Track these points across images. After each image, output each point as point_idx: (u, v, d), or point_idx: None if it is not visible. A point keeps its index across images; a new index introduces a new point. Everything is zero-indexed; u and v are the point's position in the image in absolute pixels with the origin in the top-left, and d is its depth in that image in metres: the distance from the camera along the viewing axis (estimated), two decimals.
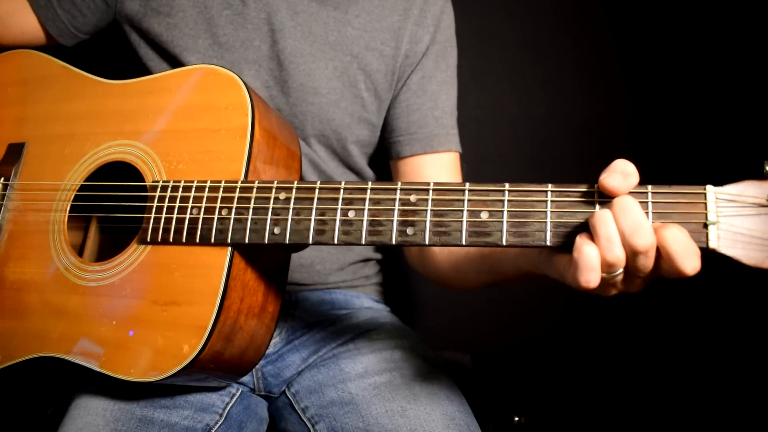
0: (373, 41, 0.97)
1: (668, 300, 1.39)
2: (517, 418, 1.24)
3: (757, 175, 0.57)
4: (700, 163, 1.33)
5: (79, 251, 0.90)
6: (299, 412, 0.90)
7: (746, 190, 0.56)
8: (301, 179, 0.88)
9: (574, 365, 1.48)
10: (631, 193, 0.57)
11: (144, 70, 0.98)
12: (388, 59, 0.98)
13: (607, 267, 0.56)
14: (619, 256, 0.55)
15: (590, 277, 0.56)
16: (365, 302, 1.08)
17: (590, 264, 0.55)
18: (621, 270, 0.56)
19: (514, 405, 1.36)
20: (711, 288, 1.35)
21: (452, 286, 0.96)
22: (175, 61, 0.96)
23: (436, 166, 1.00)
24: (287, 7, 0.95)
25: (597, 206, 0.58)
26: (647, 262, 0.55)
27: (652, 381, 1.46)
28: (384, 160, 1.08)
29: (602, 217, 0.56)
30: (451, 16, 1.04)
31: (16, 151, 0.88)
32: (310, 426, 0.87)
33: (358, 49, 0.97)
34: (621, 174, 0.56)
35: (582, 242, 0.56)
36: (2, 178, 0.87)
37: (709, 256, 0.57)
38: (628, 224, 0.54)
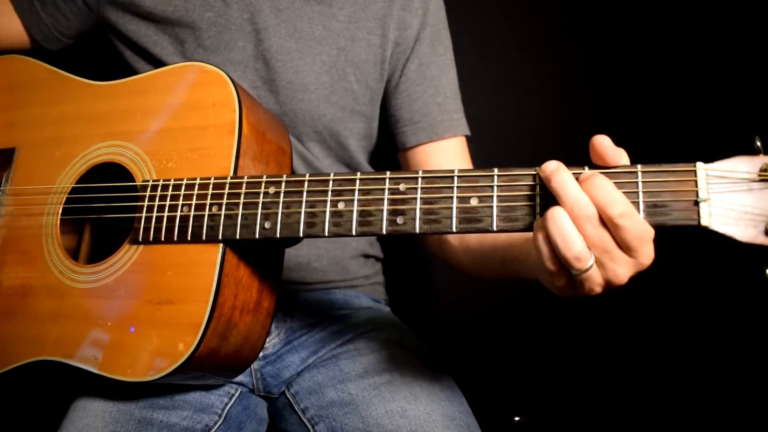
0: (359, 32, 0.97)
1: (667, 300, 1.39)
2: (517, 418, 1.24)
3: (748, 151, 0.56)
4: (691, 139, 1.32)
5: (75, 254, 0.90)
6: (299, 412, 0.89)
7: (737, 165, 0.55)
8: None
9: (574, 365, 1.47)
10: (621, 173, 0.57)
11: (130, 72, 0.98)
12: (376, 48, 0.97)
13: (567, 258, 0.55)
14: (574, 251, 0.54)
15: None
16: (365, 302, 1.07)
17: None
18: (591, 263, 0.55)
19: (514, 405, 1.35)
20: (710, 287, 1.35)
21: (471, 276, 0.95)
22: (161, 64, 0.96)
23: (444, 153, 1.00)
24: (270, 5, 0.94)
25: None
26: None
27: (652, 381, 1.44)
28: (385, 156, 1.07)
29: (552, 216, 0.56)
30: None
31: (6, 156, 0.88)
32: (309, 427, 0.86)
33: (345, 41, 0.96)
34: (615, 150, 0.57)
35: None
36: None
37: (702, 234, 0.56)
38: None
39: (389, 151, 1.06)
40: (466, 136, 1.02)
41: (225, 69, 0.91)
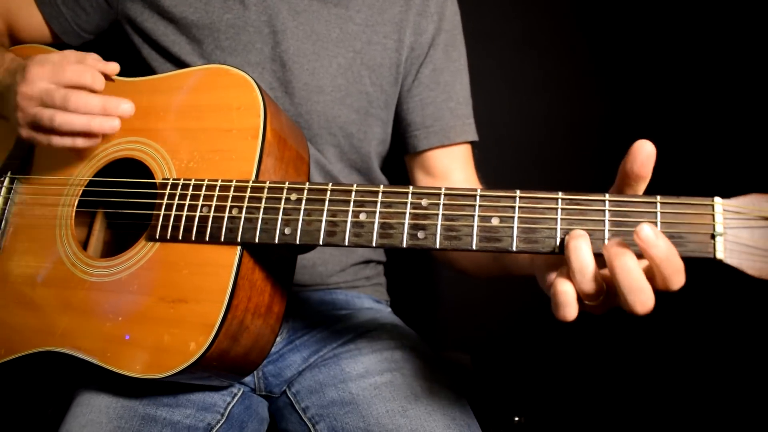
0: (376, 35, 0.98)
1: (667, 300, 1.40)
2: (517, 418, 1.25)
3: (765, 189, 0.58)
4: (708, 174, 1.34)
5: (83, 246, 0.90)
6: (300, 412, 0.90)
7: (753, 202, 0.57)
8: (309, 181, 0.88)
9: (575, 365, 1.49)
10: (640, 202, 0.59)
11: (148, 70, 0.98)
12: (392, 52, 0.98)
13: (585, 297, 0.56)
14: (595, 288, 0.55)
15: (566, 312, 0.56)
16: (366, 302, 1.08)
17: (565, 300, 0.56)
18: (602, 297, 0.56)
19: (514, 405, 1.36)
20: (710, 288, 1.36)
21: (469, 275, 0.97)
22: (178, 62, 0.96)
23: (453, 158, 1.01)
24: (288, 8, 0.95)
25: (606, 220, 0.59)
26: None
27: (652, 381, 1.46)
28: (394, 162, 1.08)
29: (575, 248, 0.56)
30: (455, 2, 1.04)
31: (24, 144, 0.87)
32: (310, 426, 0.87)
33: (361, 44, 0.97)
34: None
35: (557, 278, 0.57)
36: (9, 172, 0.87)
37: (714, 265, 0.58)
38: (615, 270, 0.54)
39: (396, 155, 1.08)
40: (475, 142, 1.04)
41: (243, 71, 0.92)
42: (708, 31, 1.44)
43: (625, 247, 0.55)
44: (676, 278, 0.54)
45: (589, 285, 0.55)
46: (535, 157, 1.49)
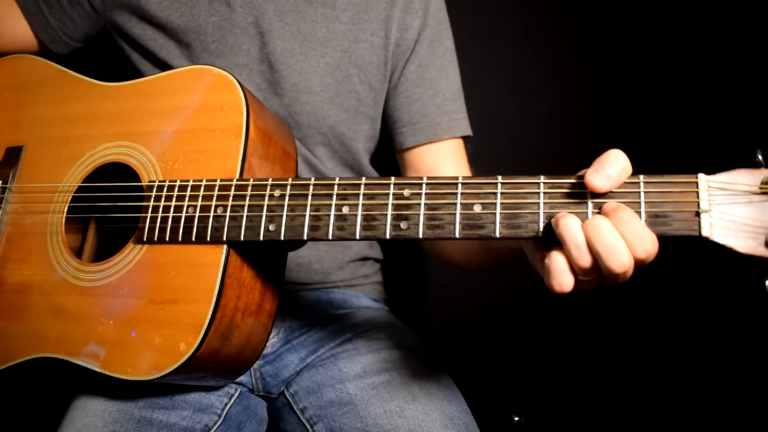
0: (363, 33, 0.97)
1: (668, 299, 1.39)
2: (517, 418, 1.24)
3: (749, 164, 0.57)
4: (693, 152, 1.33)
5: (79, 253, 0.91)
6: (298, 412, 0.90)
7: (738, 178, 0.56)
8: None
9: (574, 365, 1.48)
10: (623, 183, 0.58)
11: (137, 74, 0.99)
12: (380, 50, 0.98)
13: (580, 272, 0.56)
14: (590, 262, 0.55)
15: (562, 280, 0.56)
16: (364, 302, 1.07)
17: (560, 268, 0.56)
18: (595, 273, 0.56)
19: (514, 405, 1.35)
20: (710, 286, 1.35)
21: (460, 267, 0.96)
22: (167, 67, 0.97)
23: (442, 153, 1.00)
24: (274, 8, 0.95)
25: (589, 202, 0.58)
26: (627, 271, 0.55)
27: (651, 381, 1.45)
28: (386, 157, 1.08)
29: (567, 226, 0.56)
30: None
31: (13, 154, 0.88)
32: (308, 426, 0.87)
33: (348, 43, 0.97)
34: (605, 177, 0.56)
35: (550, 252, 0.57)
36: (0, 182, 0.87)
37: (703, 245, 0.57)
38: (603, 247, 0.54)
39: (388, 151, 1.07)
40: (469, 137, 1.03)
41: (231, 72, 0.92)
42: (705, 30, 1.43)
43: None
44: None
45: (585, 259, 0.55)
46: (535, 157, 1.49)
